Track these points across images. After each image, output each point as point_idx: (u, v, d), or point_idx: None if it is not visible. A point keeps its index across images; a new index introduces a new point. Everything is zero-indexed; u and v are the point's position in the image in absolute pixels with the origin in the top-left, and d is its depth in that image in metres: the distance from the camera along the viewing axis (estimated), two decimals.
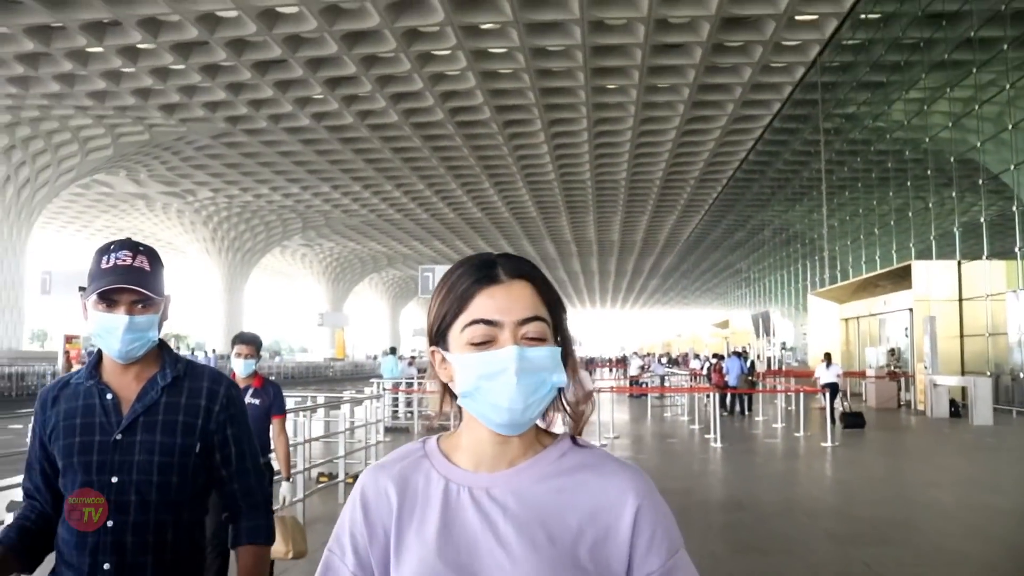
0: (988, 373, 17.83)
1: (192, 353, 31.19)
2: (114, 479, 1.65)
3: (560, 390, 1.07)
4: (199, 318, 56.84)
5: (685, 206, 41.62)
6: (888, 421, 16.79)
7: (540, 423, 1.09)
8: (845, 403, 16.78)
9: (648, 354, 45.86)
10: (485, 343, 1.03)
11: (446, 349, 1.06)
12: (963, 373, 17.99)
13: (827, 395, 14.92)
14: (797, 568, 5.31)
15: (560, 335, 1.08)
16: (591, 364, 48.76)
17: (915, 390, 18.80)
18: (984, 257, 19.04)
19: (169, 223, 38.27)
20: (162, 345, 1.80)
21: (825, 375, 16.09)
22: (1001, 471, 10.08)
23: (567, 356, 1.07)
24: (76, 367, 25.86)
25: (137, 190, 34.13)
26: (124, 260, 1.67)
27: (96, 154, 28.30)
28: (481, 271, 1.06)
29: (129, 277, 1.66)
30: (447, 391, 1.10)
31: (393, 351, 20.82)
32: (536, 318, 1.04)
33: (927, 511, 7.36)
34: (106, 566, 1.63)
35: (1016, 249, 17.37)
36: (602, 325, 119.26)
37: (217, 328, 40.15)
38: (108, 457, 1.66)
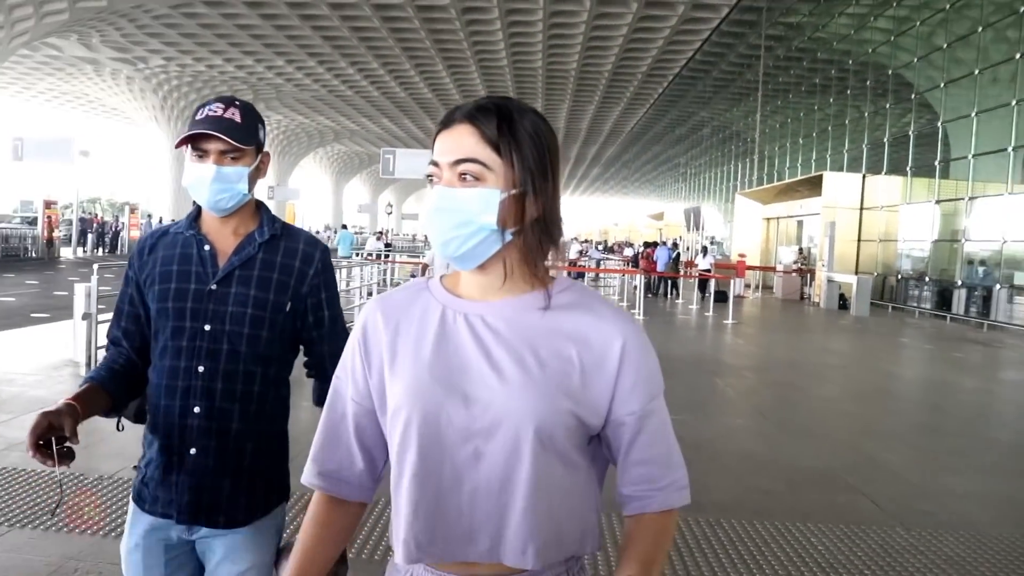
0: (875, 273, 21.38)
1: (148, 220, 32.69)
2: (207, 327, 1.71)
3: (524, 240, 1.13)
4: (147, 187, 57.22)
5: (631, 99, 43.76)
6: (786, 307, 20.26)
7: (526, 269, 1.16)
8: (746, 288, 20.11)
9: (586, 240, 48.97)
10: (434, 183, 1.13)
11: None
12: (857, 273, 21.41)
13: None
14: (679, 393, 8.19)
15: (521, 185, 1.11)
16: None
17: (814, 285, 22.25)
18: (883, 172, 22.24)
19: (118, 89, 38.55)
20: (260, 205, 1.85)
21: (702, 263, 21.66)
22: (846, 344, 13.37)
23: (525, 207, 1.12)
24: (56, 232, 27.46)
25: (87, 54, 34.36)
26: (215, 112, 1.71)
27: (51, 18, 28.66)
28: (445, 118, 1.15)
29: (216, 126, 1.70)
30: None
31: (345, 227, 23.05)
32: (469, 160, 1.09)
33: (786, 364, 10.52)
34: (196, 409, 1.71)
35: (936, 164, 20.43)
36: None
37: (165, 197, 41.17)
38: (202, 305, 1.72)
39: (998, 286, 16.65)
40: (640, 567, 1.13)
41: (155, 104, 39.02)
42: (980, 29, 17.78)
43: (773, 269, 25.78)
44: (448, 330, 1.15)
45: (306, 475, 1.27)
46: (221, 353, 1.71)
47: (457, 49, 34.96)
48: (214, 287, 1.72)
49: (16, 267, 22.84)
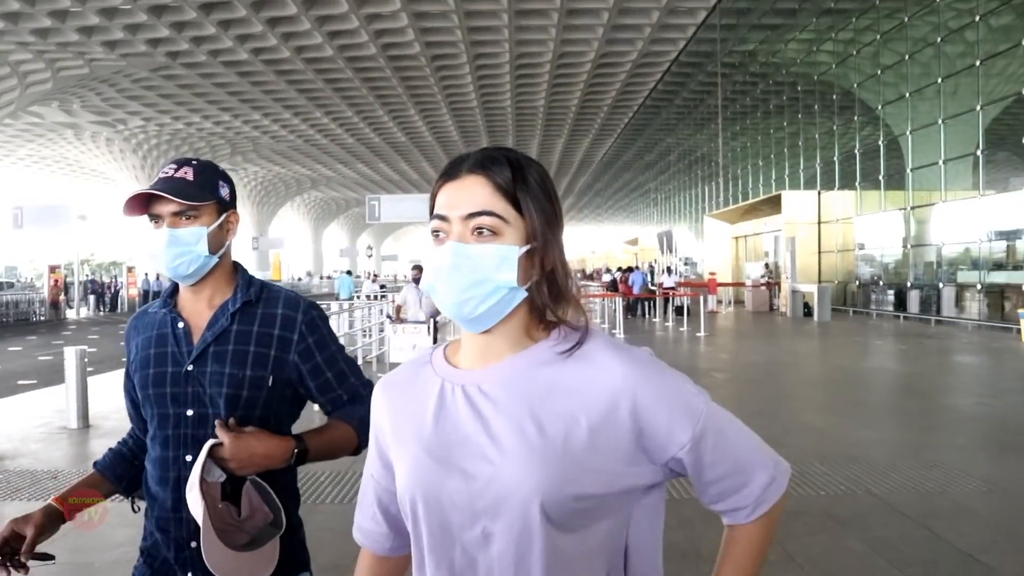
0: (836, 282, 23.25)
1: (146, 278, 34.01)
2: (189, 412, 1.62)
3: (533, 292, 1.08)
4: (135, 246, 58.41)
5: (599, 130, 45.97)
6: (755, 318, 22.00)
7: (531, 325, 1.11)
8: (721, 304, 21.86)
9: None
10: (440, 238, 1.07)
11: None
12: (820, 282, 23.24)
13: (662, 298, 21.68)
14: None
15: (537, 237, 1.06)
16: None
17: (780, 296, 24.06)
18: (836, 188, 24.25)
19: (97, 151, 40.10)
20: (237, 269, 1.75)
21: (667, 282, 24.12)
22: (804, 346, 15.06)
23: (544, 260, 1.07)
24: (62, 295, 28.77)
25: (67, 119, 35.91)
26: (167, 173, 1.63)
27: (35, 88, 30.24)
28: (449, 168, 1.10)
29: (164, 186, 1.60)
30: None
31: (349, 273, 24.77)
32: (485, 212, 1.04)
33: (748, 365, 12.16)
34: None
35: (880, 177, 22.37)
36: None
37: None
38: (181, 389, 1.63)
39: (942, 285, 18.50)
40: None
41: (135, 164, 40.57)
42: (906, 57, 19.84)
43: (743, 284, 27.60)
44: (447, 404, 1.11)
45: (354, 529, 1.29)
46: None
47: (428, 94, 36.90)
48: (190, 368, 1.63)
49: (29, 330, 24.19)
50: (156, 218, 1.62)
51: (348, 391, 1.75)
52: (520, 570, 1.05)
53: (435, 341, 10.18)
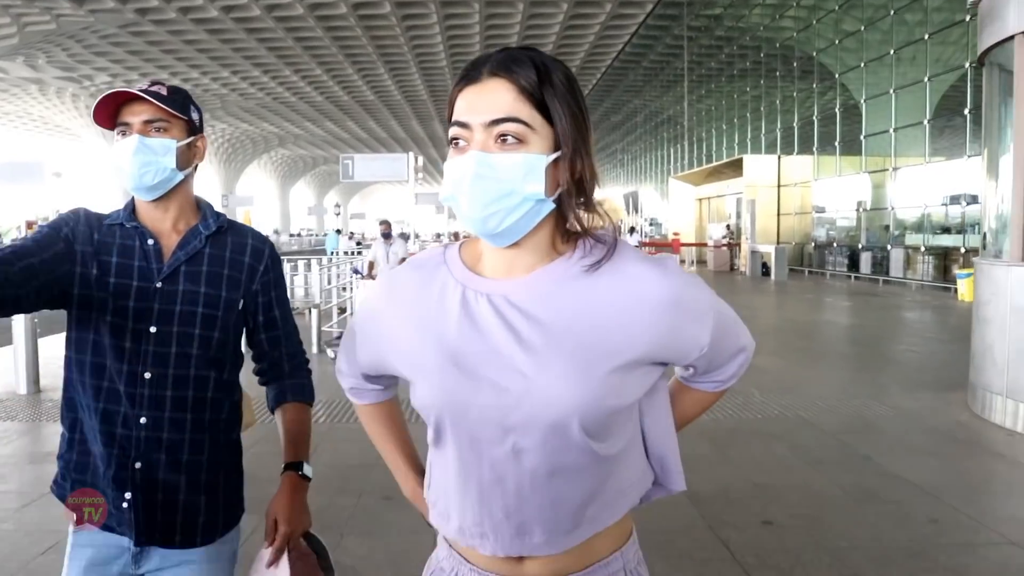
0: (793, 243, 24.51)
1: None
2: (152, 328, 1.59)
3: (561, 206, 1.04)
4: (96, 201, 57.93)
5: None
6: (716, 277, 23.22)
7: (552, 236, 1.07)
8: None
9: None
10: (461, 147, 1.02)
11: None
12: (778, 243, 24.44)
13: None
14: None
15: (565, 145, 1.01)
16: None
17: (741, 256, 25.26)
18: (795, 152, 25.40)
19: (63, 107, 39.90)
20: (200, 200, 1.75)
21: (631, 240, 24.84)
22: (759, 301, 16.24)
23: (573, 169, 1.02)
24: None
25: (32, 75, 35.71)
26: (139, 87, 1.61)
27: (1, 43, 30.12)
28: (467, 70, 1.04)
29: (142, 93, 1.58)
30: None
31: (339, 231, 25.52)
32: (510, 119, 0.99)
33: None
34: (142, 419, 1.58)
35: (836, 144, 23.53)
36: None
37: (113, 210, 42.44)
38: (147, 304, 1.59)
39: (890, 248, 19.79)
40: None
41: None
42: (862, 29, 20.87)
43: (705, 244, 28.79)
44: (471, 313, 1.07)
45: (348, 394, 1.40)
46: (170, 357, 1.59)
47: (397, 52, 37.24)
48: (159, 285, 1.61)
49: None
50: (125, 127, 1.62)
51: (289, 347, 1.82)
52: (553, 482, 1.05)
53: None
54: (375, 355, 1.22)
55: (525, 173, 0.99)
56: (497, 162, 0.99)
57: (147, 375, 1.58)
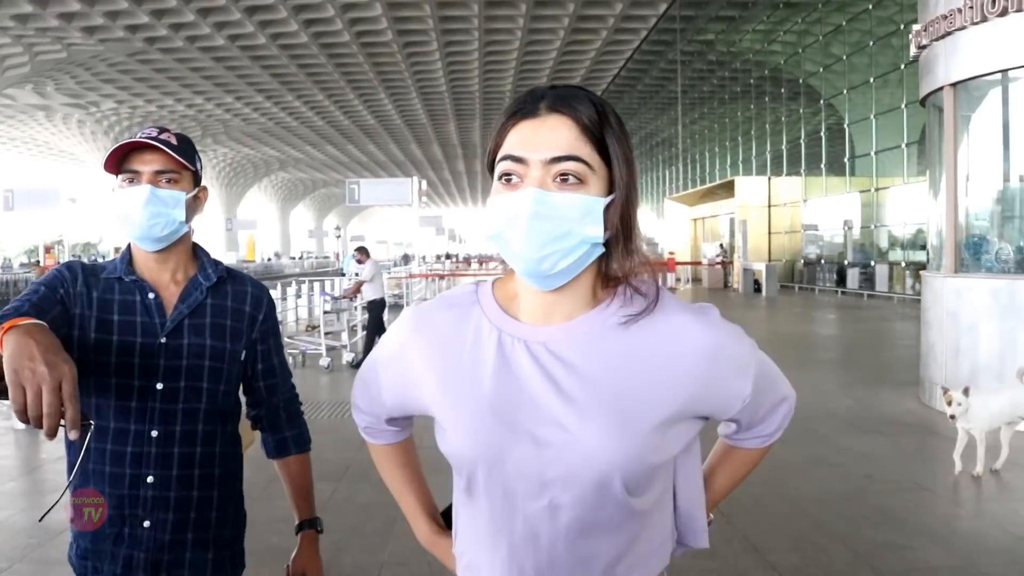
0: (783, 261, 25.69)
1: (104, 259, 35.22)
2: (159, 385, 1.57)
3: (607, 251, 1.01)
4: (102, 228, 59.04)
5: None
6: (710, 294, 24.33)
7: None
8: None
9: None
10: (513, 182, 0.98)
11: None
12: (769, 261, 25.58)
13: None
14: None
15: (619, 188, 0.99)
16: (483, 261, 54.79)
17: (734, 274, 26.40)
18: (785, 174, 26.66)
19: (68, 133, 41.07)
20: (196, 248, 1.74)
21: None
22: (748, 316, 17.33)
23: (624, 213, 1.00)
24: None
25: (40, 101, 36.85)
26: (149, 134, 1.60)
27: (12, 71, 31.29)
28: (521, 103, 1.01)
29: (152, 143, 1.58)
30: None
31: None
32: (571, 157, 0.96)
33: None
34: (149, 479, 1.57)
35: (822, 165, 24.75)
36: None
37: (118, 236, 43.56)
38: (153, 361, 1.58)
39: (874, 264, 20.95)
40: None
41: (106, 146, 41.60)
42: (844, 57, 22.16)
43: (700, 263, 29.94)
44: (508, 360, 1.04)
45: (362, 433, 1.34)
46: (177, 414, 1.58)
47: (398, 78, 38.53)
48: (164, 340, 1.58)
49: None
50: (134, 175, 1.59)
51: (285, 393, 1.82)
52: (587, 542, 1.04)
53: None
54: (403, 397, 1.18)
55: (584, 214, 0.96)
56: (557, 201, 0.95)
57: (153, 433, 1.57)
